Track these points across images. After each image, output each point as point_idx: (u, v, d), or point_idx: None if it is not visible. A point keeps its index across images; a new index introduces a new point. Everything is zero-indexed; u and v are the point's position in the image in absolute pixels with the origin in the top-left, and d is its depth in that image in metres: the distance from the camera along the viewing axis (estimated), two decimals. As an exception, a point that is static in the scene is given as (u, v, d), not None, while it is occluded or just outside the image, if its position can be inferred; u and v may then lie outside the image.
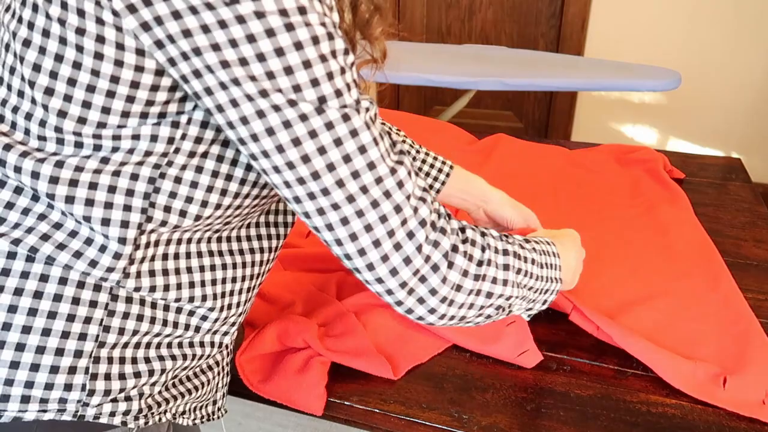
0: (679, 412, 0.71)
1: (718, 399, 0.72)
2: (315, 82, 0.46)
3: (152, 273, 0.54)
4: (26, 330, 0.49)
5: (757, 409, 0.70)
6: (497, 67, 1.96)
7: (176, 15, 0.43)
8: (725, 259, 0.96)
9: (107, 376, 0.53)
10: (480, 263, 0.57)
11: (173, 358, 0.59)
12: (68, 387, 0.51)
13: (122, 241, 0.51)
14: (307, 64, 0.46)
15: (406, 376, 0.77)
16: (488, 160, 1.27)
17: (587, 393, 0.74)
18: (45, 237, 0.50)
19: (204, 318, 0.60)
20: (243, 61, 0.44)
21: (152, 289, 0.54)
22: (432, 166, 0.88)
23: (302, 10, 0.45)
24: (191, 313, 0.59)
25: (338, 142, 0.48)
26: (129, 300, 0.54)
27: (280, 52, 0.44)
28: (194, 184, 0.53)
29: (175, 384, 0.61)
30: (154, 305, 0.55)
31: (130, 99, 0.48)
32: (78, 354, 0.51)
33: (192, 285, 0.57)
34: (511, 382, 0.76)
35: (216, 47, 0.44)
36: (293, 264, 0.95)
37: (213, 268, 0.59)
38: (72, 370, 0.51)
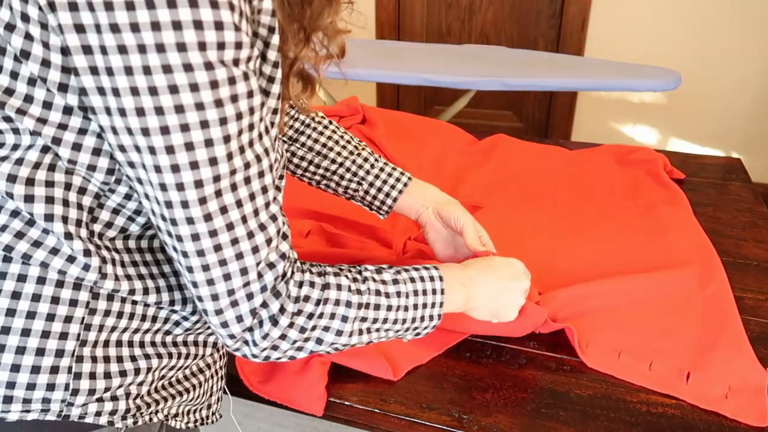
0: (679, 412, 0.71)
1: (680, 392, 0.74)
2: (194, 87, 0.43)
3: (129, 277, 0.53)
4: (5, 331, 0.49)
5: (719, 403, 0.72)
6: (497, 67, 1.96)
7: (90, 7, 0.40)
8: (725, 259, 0.96)
9: (92, 375, 0.53)
10: (310, 316, 0.56)
11: (159, 356, 0.58)
12: (51, 387, 0.51)
13: (68, 236, 0.50)
14: (188, 68, 0.43)
15: (406, 376, 0.77)
16: (488, 161, 1.27)
17: (587, 393, 0.74)
18: (19, 234, 0.49)
19: (185, 318, 0.59)
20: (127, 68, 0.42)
21: (131, 292, 0.54)
22: (390, 174, 0.87)
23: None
24: (173, 311, 0.58)
25: (202, 201, 0.47)
26: (110, 298, 0.53)
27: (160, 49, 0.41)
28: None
29: (165, 386, 0.60)
30: (135, 302, 0.55)
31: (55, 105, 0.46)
32: (59, 353, 0.51)
33: (170, 289, 0.57)
34: (511, 382, 0.76)
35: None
36: (293, 264, 0.95)
37: None
38: (54, 369, 0.51)
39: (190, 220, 0.47)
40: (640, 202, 1.13)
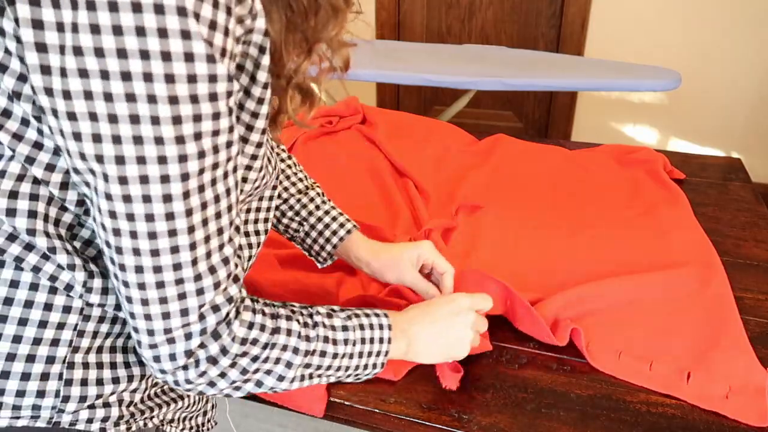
0: (679, 412, 0.71)
1: (681, 392, 0.74)
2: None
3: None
4: None
5: (720, 404, 0.72)
6: (497, 67, 1.96)
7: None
8: (725, 259, 0.96)
9: (83, 382, 0.52)
10: (255, 359, 0.54)
11: None
12: (41, 393, 0.50)
13: (52, 251, 0.49)
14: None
15: (406, 376, 0.77)
16: (488, 161, 1.27)
17: (587, 393, 0.74)
18: (11, 237, 0.48)
19: None
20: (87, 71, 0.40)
21: (117, 307, 0.53)
22: (334, 219, 0.83)
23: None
24: None
25: (152, 235, 0.45)
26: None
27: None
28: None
29: (159, 393, 0.60)
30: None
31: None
32: (50, 360, 0.50)
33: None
34: (511, 382, 0.76)
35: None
36: (293, 264, 0.95)
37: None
38: (44, 376, 0.50)
39: (136, 252, 0.45)
40: (640, 202, 1.12)
